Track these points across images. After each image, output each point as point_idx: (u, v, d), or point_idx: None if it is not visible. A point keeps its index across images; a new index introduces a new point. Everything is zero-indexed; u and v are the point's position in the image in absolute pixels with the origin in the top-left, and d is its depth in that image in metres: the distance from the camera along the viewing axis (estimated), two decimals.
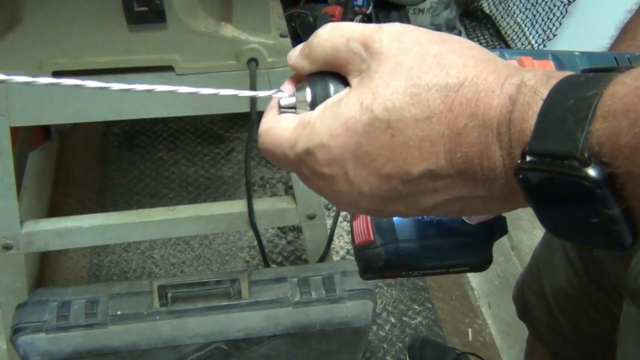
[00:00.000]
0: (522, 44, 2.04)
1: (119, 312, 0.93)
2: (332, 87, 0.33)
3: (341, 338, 1.03)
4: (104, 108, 0.94)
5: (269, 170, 1.73)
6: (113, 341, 0.92)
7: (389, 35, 0.31)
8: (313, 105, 0.34)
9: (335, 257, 1.53)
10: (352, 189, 0.32)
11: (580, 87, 0.25)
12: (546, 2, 1.91)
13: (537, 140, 0.26)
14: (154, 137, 1.81)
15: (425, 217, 0.42)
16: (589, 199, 0.25)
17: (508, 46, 2.11)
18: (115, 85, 0.34)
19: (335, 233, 1.25)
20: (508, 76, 0.28)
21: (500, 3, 2.20)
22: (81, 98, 0.91)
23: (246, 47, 0.90)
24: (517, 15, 2.09)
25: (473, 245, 0.44)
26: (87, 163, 1.72)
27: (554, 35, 1.87)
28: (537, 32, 1.97)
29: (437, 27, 2.12)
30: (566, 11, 1.81)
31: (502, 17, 2.18)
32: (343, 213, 1.43)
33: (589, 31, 1.65)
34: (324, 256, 1.21)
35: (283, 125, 0.34)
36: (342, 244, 1.57)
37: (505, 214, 0.39)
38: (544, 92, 0.26)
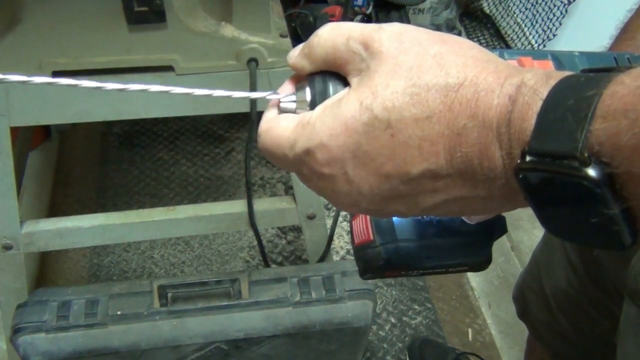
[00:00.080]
0: (522, 44, 2.04)
1: (119, 312, 0.93)
2: (331, 87, 0.33)
3: (341, 338, 1.03)
4: (104, 108, 0.94)
5: (269, 170, 1.73)
6: (113, 341, 0.92)
7: (389, 35, 0.31)
8: (313, 105, 0.34)
9: (335, 257, 1.53)
10: (351, 189, 0.32)
11: (580, 87, 0.25)
12: (546, 2, 1.91)
13: (537, 140, 0.26)
14: (154, 137, 1.81)
15: (425, 217, 0.42)
16: (588, 199, 0.25)
17: (508, 46, 2.11)
18: (110, 85, 0.34)
19: (335, 233, 1.25)
20: (508, 76, 0.28)
21: (500, 3, 2.20)
22: (81, 98, 0.91)
23: (246, 47, 0.90)
24: (517, 15, 2.10)
25: (472, 245, 0.44)
26: (87, 163, 1.72)
27: (554, 35, 1.87)
28: (537, 32, 1.97)
29: (437, 27, 2.12)
30: (566, 11, 1.81)
31: (502, 17, 2.18)
32: (343, 213, 1.43)
33: (589, 31, 1.65)
34: (324, 256, 1.21)
35: (283, 125, 0.34)
36: (342, 244, 1.57)
37: (505, 214, 0.39)
38: (544, 92, 0.26)
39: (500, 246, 1.56)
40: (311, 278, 1.00)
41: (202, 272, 1.47)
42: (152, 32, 0.85)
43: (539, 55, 0.38)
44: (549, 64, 0.37)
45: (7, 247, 1.03)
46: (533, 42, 1.99)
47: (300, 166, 0.34)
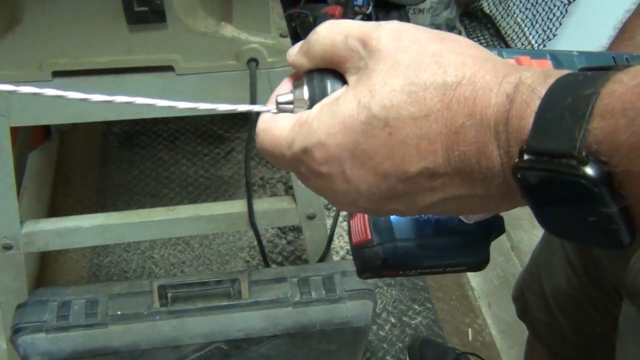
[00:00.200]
0: (522, 44, 2.04)
1: (119, 312, 0.93)
2: (329, 86, 0.33)
3: (341, 338, 1.03)
4: (104, 108, 0.94)
5: (269, 170, 1.73)
6: (113, 341, 0.92)
7: (388, 33, 0.31)
8: (311, 103, 0.34)
9: (335, 257, 1.53)
10: (349, 188, 0.32)
11: (578, 85, 0.25)
12: (546, 2, 1.91)
13: (535, 139, 0.26)
14: (154, 137, 1.81)
15: (422, 216, 0.42)
16: (586, 198, 0.25)
17: (508, 46, 2.11)
18: (119, 98, 0.33)
19: (335, 233, 1.25)
20: (506, 75, 0.28)
21: (500, 3, 2.20)
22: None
23: (246, 47, 0.90)
24: (517, 15, 2.10)
25: (470, 245, 0.44)
26: (87, 163, 1.72)
27: (554, 35, 1.87)
28: (537, 32, 1.97)
29: (437, 27, 2.12)
30: (566, 11, 1.81)
31: (502, 17, 2.18)
32: (343, 213, 1.43)
33: (588, 31, 1.65)
34: (324, 256, 1.21)
35: (280, 124, 0.34)
36: (342, 244, 1.57)
37: (504, 214, 0.39)
38: (542, 91, 0.26)
39: (500, 246, 1.56)
40: (311, 278, 1.00)
41: (202, 272, 1.47)
42: (152, 32, 0.85)
43: (537, 54, 0.38)
44: (548, 63, 0.37)
45: (7, 247, 1.03)
46: (533, 42, 1.99)
47: (298, 165, 0.34)
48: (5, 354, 1.16)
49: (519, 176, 0.27)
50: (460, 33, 2.20)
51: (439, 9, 2.10)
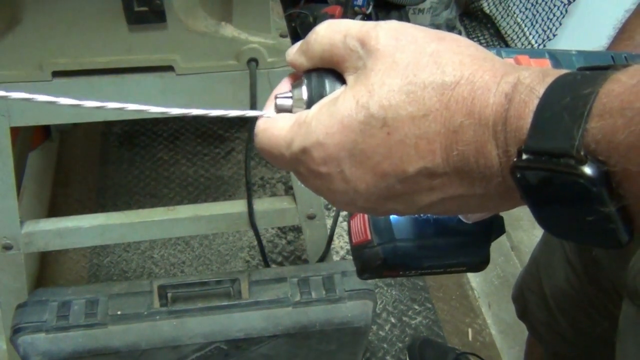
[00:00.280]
0: (522, 44, 2.04)
1: (119, 312, 0.93)
2: (328, 85, 0.33)
3: (341, 338, 1.03)
4: (104, 108, 0.94)
5: (269, 170, 1.73)
6: (113, 341, 0.92)
7: (386, 33, 0.31)
8: (309, 103, 0.34)
9: (335, 257, 1.53)
10: (348, 188, 0.32)
11: (576, 85, 0.25)
12: (546, 2, 1.91)
13: (533, 139, 0.26)
14: (154, 137, 1.81)
15: (422, 216, 0.42)
16: (584, 197, 0.25)
17: (508, 46, 2.11)
18: (110, 105, 0.33)
19: (335, 233, 1.25)
20: (504, 74, 0.28)
21: (500, 3, 2.20)
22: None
23: (246, 47, 0.90)
24: (517, 15, 2.09)
25: (471, 245, 0.44)
26: (87, 163, 1.72)
27: (554, 35, 1.87)
28: (537, 32, 1.97)
29: (437, 27, 2.12)
30: (566, 11, 1.81)
31: (502, 17, 2.18)
32: (343, 213, 1.43)
33: (588, 31, 1.65)
34: (324, 256, 1.21)
35: (279, 124, 0.34)
36: (342, 244, 1.57)
37: (504, 214, 0.39)
38: (540, 90, 0.26)
39: (500, 246, 1.56)
40: (311, 278, 1.00)
41: (202, 272, 1.47)
42: (152, 32, 0.85)
43: (536, 53, 0.38)
44: (546, 62, 0.37)
45: (7, 247, 1.03)
46: (533, 42, 1.99)
47: (297, 165, 0.34)
48: (5, 354, 1.17)
49: (517, 176, 0.27)
50: (460, 33, 2.20)
51: (439, 9, 2.10)
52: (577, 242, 0.28)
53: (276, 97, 0.35)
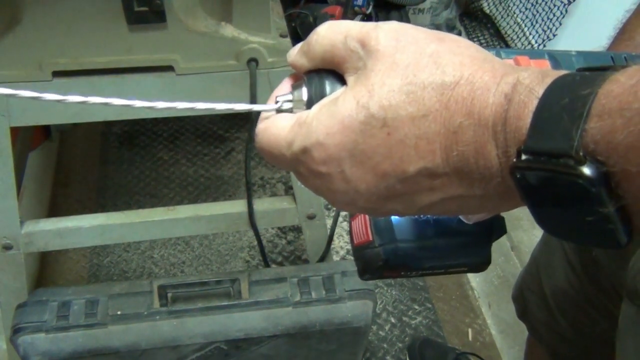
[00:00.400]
0: (522, 44, 2.04)
1: (119, 312, 0.93)
2: (328, 86, 0.33)
3: (341, 338, 1.03)
4: (104, 108, 0.94)
5: (269, 170, 1.73)
6: (113, 341, 0.92)
7: (386, 34, 0.31)
8: (309, 104, 0.34)
9: (335, 257, 1.53)
10: (348, 188, 0.32)
11: (575, 85, 0.25)
12: (546, 2, 1.91)
13: (533, 139, 0.26)
14: (154, 137, 1.81)
15: (423, 216, 0.42)
16: (584, 198, 0.25)
17: (508, 46, 2.11)
18: (116, 101, 0.33)
19: (335, 233, 1.25)
20: (504, 75, 0.28)
21: (500, 3, 2.20)
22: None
23: (246, 47, 0.90)
24: (517, 15, 2.09)
25: (472, 246, 0.44)
26: (87, 163, 1.72)
27: (554, 35, 1.87)
28: (537, 32, 1.97)
29: (437, 27, 2.12)
30: (566, 11, 1.81)
31: (502, 17, 2.18)
32: (343, 213, 1.43)
33: (588, 31, 1.64)
34: (324, 256, 1.21)
35: (280, 124, 0.34)
36: (342, 244, 1.57)
37: (504, 214, 0.39)
38: (540, 91, 0.26)
39: (500, 246, 1.56)
40: (311, 278, 1.00)
41: (202, 272, 1.47)
42: (152, 32, 0.85)
43: (535, 54, 0.38)
44: (546, 63, 0.37)
45: (7, 247, 1.03)
46: (533, 42, 1.99)
47: (298, 165, 0.34)
48: (5, 354, 1.17)
49: (517, 176, 0.27)
50: (460, 33, 2.20)
51: (439, 9, 2.10)
52: (576, 243, 0.28)
53: (277, 98, 0.35)
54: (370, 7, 1.83)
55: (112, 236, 1.10)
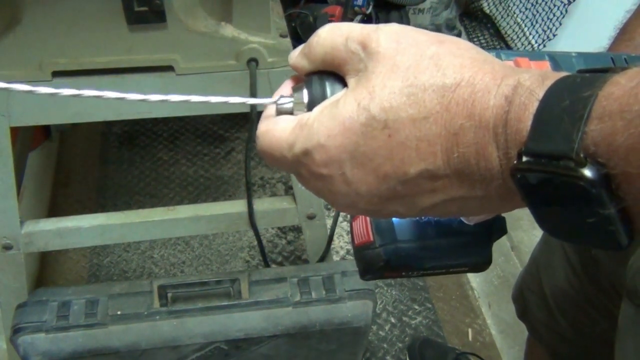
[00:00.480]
0: (522, 44, 2.04)
1: (119, 312, 0.93)
2: (328, 88, 0.33)
3: (341, 338, 1.03)
4: (104, 108, 0.94)
5: (269, 170, 1.73)
6: (113, 341, 0.92)
7: (387, 36, 0.31)
8: (310, 106, 0.34)
9: (335, 257, 1.53)
10: (350, 190, 0.32)
11: (575, 88, 0.25)
12: (546, 2, 1.91)
13: (533, 141, 0.26)
14: (154, 137, 1.81)
15: (423, 217, 0.42)
16: (584, 200, 0.25)
17: (508, 46, 2.11)
18: (110, 94, 0.33)
19: (335, 233, 1.25)
20: (504, 77, 0.28)
21: (500, 3, 2.20)
22: (81, 98, 0.91)
23: (246, 47, 0.90)
24: (517, 15, 2.10)
25: (472, 246, 0.44)
26: (87, 163, 1.72)
27: (554, 36, 1.87)
28: (537, 32, 1.97)
29: (437, 27, 2.12)
30: (566, 11, 1.81)
31: (502, 17, 2.18)
32: (343, 213, 1.43)
33: (588, 31, 1.65)
34: (324, 256, 1.21)
35: (281, 126, 0.34)
36: (342, 244, 1.58)
37: (504, 215, 0.39)
38: (540, 93, 0.26)
39: (500, 246, 1.56)
40: (311, 278, 1.00)
41: (202, 272, 1.47)
42: (152, 32, 0.85)
43: (535, 56, 0.38)
44: (546, 64, 0.37)
45: (7, 247, 1.03)
46: (533, 42, 1.99)
47: (299, 167, 0.34)
48: (5, 354, 1.17)
49: (518, 178, 0.27)
50: (460, 33, 2.20)
51: (439, 9, 2.10)
52: (577, 244, 0.29)
53: (277, 100, 0.35)
54: (370, 7, 1.83)
55: (112, 236, 1.10)
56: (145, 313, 0.94)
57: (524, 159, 0.26)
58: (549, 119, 0.25)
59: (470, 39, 2.20)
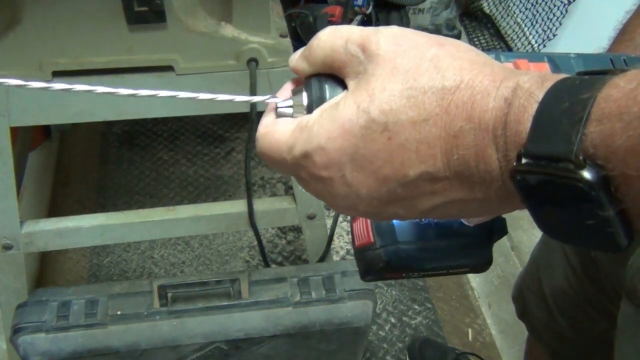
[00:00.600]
0: (522, 44, 2.04)
1: (119, 312, 0.93)
2: (328, 91, 0.33)
3: (341, 338, 1.03)
4: (104, 108, 0.94)
5: (269, 170, 1.73)
6: (113, 341, 0.92)
7: (387, 38, 0.31)
8: (310, 109, 0.34)
9: (335, 257, 1.53)
10: (350, 192, 0.32)
11: (574, 90, 0.25)
12: (546, 2, 1.91)
13: (533, 143, 0.26)
14: (154, 137, 1.81)
15: (423, 219, 0.42)
16: (583, 201, 0.25)
17: (508, 46, 2.11)
18: (100, 89, 0.34)
19: (335, 233, 1.25)
20: (504, 79, 0.28)
21: (500, 3, 2.20)
22: (81, 98, 0.92)
23: (246, 47, 0.90)
24: (517, 15, 2.10)
25: (473, 247, 0.44)
26: (87, 163, 1.72)
27: (554, 36, 1.87)
28: (537, 32, 1.97)
29: (437, 27, 2.12)
30: (566, 11, 1.81)
31: (502, 17, 2.18)
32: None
33: (588, 32, 1.65)
34: (324, 256, 1.21)
35: (281, 129, 0.34)
36: (342, 244, 1.58)
37: (505, 215, 0.39)
38: (539, 95, 0.27)
39: (500, 246, 1.56)
40: (311, 278, 1.00)
41: (202, 272, 1.47)
42: (152, 32, 0.85)
43: (535, 57, 0.38)
44: (545, 66, 0.37)
45: (7, 247, 1.03)
46: (533, 42, 1.99)
47: (299, 170, 0.34)
48: (5, 354, 1.17)
49: (517, 179, 0.27)
50: (460, 33, 2.20)
51: (439, 9, 2.10)
52: (576, 245, 0.29)
53: (277, 102, 0.35)
54: (370, 7, 1.83)
55: (112, 236, 1.10)
56: (145, 313, 0.94)
57: (524, 161, 0.26)
58: (548, 121, 0.26)
59: (470, 39, 2.20)
